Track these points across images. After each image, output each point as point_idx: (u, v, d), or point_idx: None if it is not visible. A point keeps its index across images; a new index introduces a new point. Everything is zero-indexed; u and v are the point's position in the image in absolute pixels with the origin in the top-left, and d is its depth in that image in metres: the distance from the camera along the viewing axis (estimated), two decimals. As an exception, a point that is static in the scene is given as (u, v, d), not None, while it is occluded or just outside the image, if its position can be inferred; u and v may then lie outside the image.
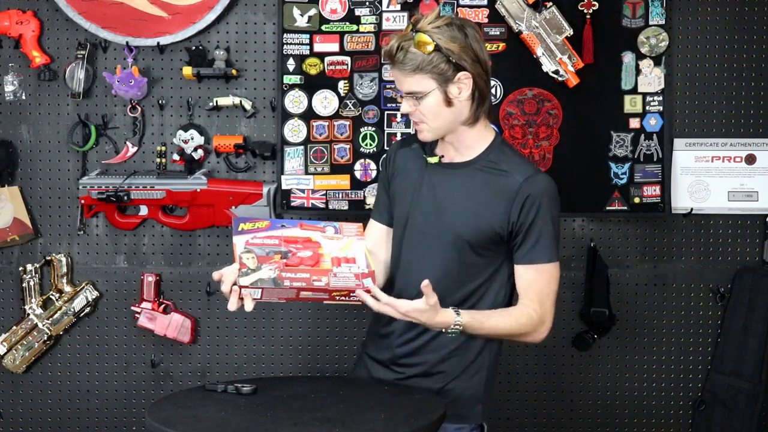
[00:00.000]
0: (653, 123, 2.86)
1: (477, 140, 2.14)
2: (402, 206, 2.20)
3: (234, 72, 2.84)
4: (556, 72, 2.82)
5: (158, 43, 2.83)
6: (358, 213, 2.84)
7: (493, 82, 2.84)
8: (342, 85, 2.85)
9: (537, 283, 2.11)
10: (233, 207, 2.82)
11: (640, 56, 2.84)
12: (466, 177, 2.13)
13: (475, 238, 2.09)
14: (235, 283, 1.92)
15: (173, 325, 2.88)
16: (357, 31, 2.83)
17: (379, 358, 2.21)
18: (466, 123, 2.10)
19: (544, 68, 2.82)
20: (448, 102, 2.06)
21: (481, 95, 2.09)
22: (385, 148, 2.85)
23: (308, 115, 2.85)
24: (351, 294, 1.97)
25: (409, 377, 2.15)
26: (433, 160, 2.17)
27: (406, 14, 2.84)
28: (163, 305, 2.89)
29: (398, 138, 2.85)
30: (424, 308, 1.95)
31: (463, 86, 2.06)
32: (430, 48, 2.01)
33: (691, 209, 2.90)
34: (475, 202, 2.10)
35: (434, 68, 2.02)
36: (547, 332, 2.16)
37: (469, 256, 2.10)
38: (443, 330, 2.02)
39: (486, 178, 2.10)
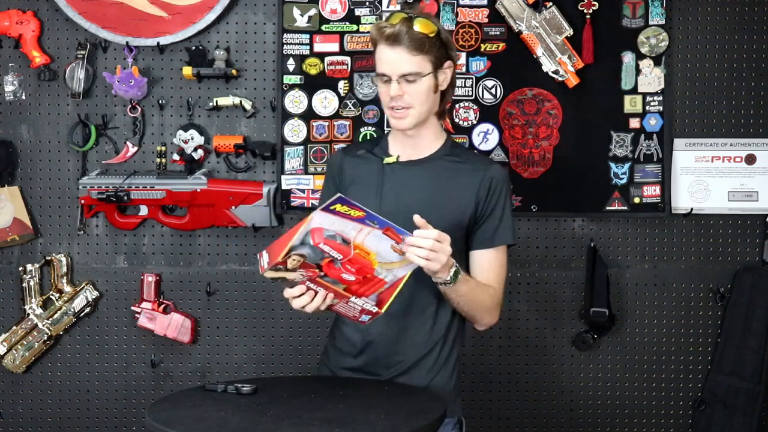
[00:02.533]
0: (653, 123, 2.86)
1: (437, 136, 2.23)
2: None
3: (234, 72, 2.84)
4: (556, 72, 2.82)
5: (158, 43, 2.83)
6: (358, 213, 2.85)
7: (492, 82, 2.85)
8: (342, 85, 2.85)
9: (494, 266, 2.17)
10: (233, 207, 2.82)
11: (640, 56, 2.85)
12: (429, 171, 2.18)
13: (447, 228, 2.10)
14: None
15: (173, 325, 2.88)
16: (357, 31, 2.83)
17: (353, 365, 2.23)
18: (436, 114, 2.20)
19: (544, 68, 2.82)
20: (436, 88, 2.14)
21: (452, 87, 2.20)
22: (385, 148, 2.85)
23: (308, 115, 2.85)
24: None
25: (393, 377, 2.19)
26: (390, 160, 2.21)
27: (406, 14, 2.84)
28: (163, 305, 2.89)
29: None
30: (442, 236, 1.95)
31: (447, 74, 2.16)
32: (434, 31, 2.09)
33: (691, 209, 2.90)
34: (442, 194, 2.15)
35: (435, 50, 2.10)
36: (498, 318, 2.20)
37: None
38: (444, 279, 2.00)
39: (450, 171, 2.17)
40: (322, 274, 1.92)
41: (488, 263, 2.16)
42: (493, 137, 2.87)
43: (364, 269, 1.93)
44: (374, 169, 2.21)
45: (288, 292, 1.98)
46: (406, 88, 2.11)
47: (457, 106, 2.85)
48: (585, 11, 2.83)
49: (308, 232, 1.87)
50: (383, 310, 1.98)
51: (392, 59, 2.10)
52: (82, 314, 2.90)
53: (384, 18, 2.14)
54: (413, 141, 2.20)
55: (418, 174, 2.18)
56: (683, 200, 2.91)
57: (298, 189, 2.86)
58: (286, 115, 2.86)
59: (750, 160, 2.91)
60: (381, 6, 2.84)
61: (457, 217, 2.14)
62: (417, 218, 1.95)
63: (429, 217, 2.08)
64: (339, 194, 1.90)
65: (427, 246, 1.92)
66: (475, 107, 2.86)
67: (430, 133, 2.21)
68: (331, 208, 1.88)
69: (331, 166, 2.32)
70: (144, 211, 2.85)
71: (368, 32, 2.82)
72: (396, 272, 1.97)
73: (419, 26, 2.07)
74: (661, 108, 2.86)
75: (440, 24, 2.17)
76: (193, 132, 2.86)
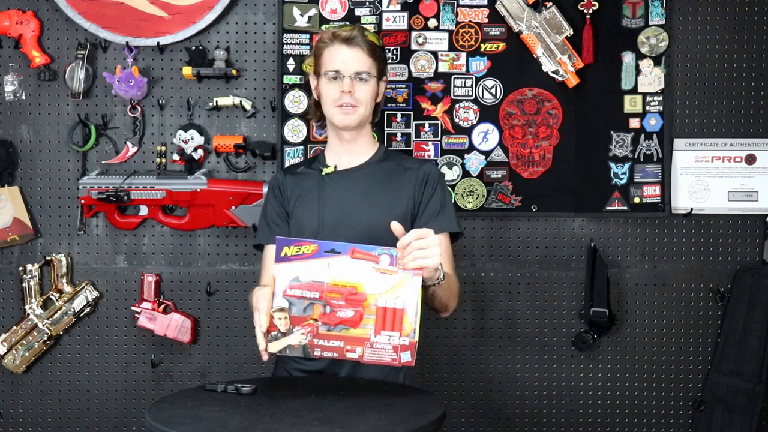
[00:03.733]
0: (653, 123, 2.86)
1: (369, 145, 2.38)
2: (308, 221, 2.29)
3: (234, 72, 2.84)
4: (556, 72, 2.82)
5: (158, 43, 2.84)
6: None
7: (492, 82, 2.85)
8: (342, 85, 2.85)
9: (446, 253, 2.24)
10: (233, 207, 2.82)
11: (640, 56, 2.85)
12: (367, 176, 2.33)
13: (387, 227, 2.15)
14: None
15: (173, 325, 2.88)
16: (357, 31, 2.83)
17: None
18: (370, 123, 2.38)
19: (544, 68, 2.82)
20: (375, 95, 2.33)
21: (382, 102, 2.42)
22: (385, 148, 2.86)
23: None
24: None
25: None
26: (328, 170, 2.34)
27: (406, 14, 2.84)
28: (163, 305, 2.89)
29: (398, 138, 2.86)
30: (421, 232, 1.96)
31: (382, 88, 2.37)
32: (381, 45, 2.34)
33: (691, 209, 2.90)
34: (380, 196, 2.27)
35: (380, 61, 2.32)
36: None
37: (387, 242, 2.16)
38: (437, 277, 2.03)
39: (387, 173, 2.31)
40: (319, 323, 1.91)
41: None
42: (493, 137, 2.87)
43: (354, 298, 1.91)
44: (314, 180, 2.34)
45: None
46: (357, 86, 2.27)
47: (457, 106, 2.86)
48: (585, 11, 2.83)
49: (279, 290, 1.91)
50: (417, 338, 1.93)
51: (349, 57, 2.27)
52: (82, 314, 2.90)
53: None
54: (350, 148, 2.35)
55: (356, 180, 2.32)
56: (683, 200, 2.91)
57: (298, 189, 2.86)
58: (286, 115, 2.86)
59: (750, 160, 2.91)
60: (381, 6, 2.84)
61: (397, 215, 2.21)
62: (394, 225, 1.97)
63: (369, 217, 2.23)
64: (276, 237, 1.95)
65: (416, 247, 1.93)
66: (475, 107, 2.86)
67: (364, 141, 2.37)
68: (282, 256, 1.91)
69: (273, 186, 2.40)
70: (144, 211, 2.85)
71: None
72: (405, 295, 1.92)
73: (371, 36, 2.30)
74: (661, 108, 2.86)
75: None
76: (193, 132, 2.86)
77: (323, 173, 2.34)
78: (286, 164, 2.85)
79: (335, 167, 2.34)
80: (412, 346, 1.93)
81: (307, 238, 1.99)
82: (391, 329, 1.91)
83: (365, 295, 1.92)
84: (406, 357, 1.93)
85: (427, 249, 1.94)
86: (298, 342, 1.92)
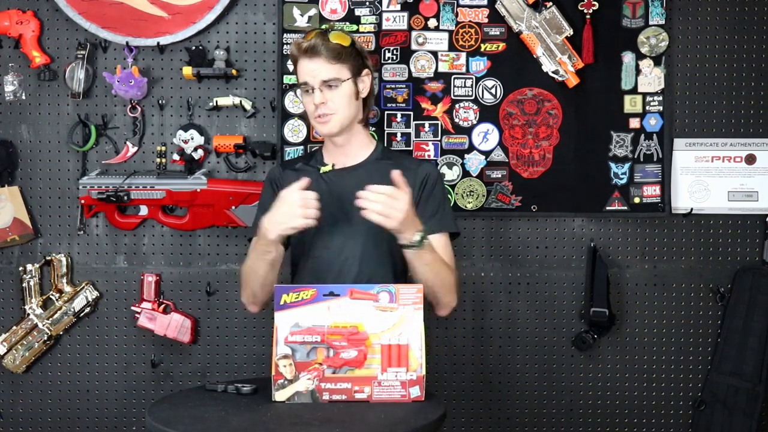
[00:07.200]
0: (653, 123, 2.86)
1: (365, 143, 2.38)
2: None
3: (234, 72, 2.84)
4: (556, 72, 2.82)
5: (158, 43, 2.84)
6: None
7: (493, 82, 2.85)
8: (342, 85, 2.85)
9: (446, 251, 2.27)
10: (233, 207, 2.82)
11: (640, 56, 2.85)
12: (364, 174, 2.30)
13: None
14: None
15: (173, 325, 2.88)
16: (357, 31, 2.83)
17: None
18: (360, 122, 2.36)
19: (544, 68, 2.82)
20: (357, 94, 2.31)
21: (371, 96, 2.39)
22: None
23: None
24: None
25: None
26: (326, 168, 2.34)
27: (406, 14, 2.84)
28: (163, 305, 2.89)
29: (398, 138, 2.86)
30: (396, 192, 2.05)
31: (366, 82, 2.34)
32: (349, 42, 2.29)
33: (691, 209, 2.90)
34: None
35: (351, 59, 2.28)
36: (456, 303, 2.28)
37: (384, 241, 2.22)
38: (410, 239, 2.10)
39: (384, 173, 2.25)
40: (324, 367, 1.93)
41: (438, 249, 2.23)
42: (493, 137, 2.87)
43: (356, 337, 1.93)
44: (311, 178, 2.30)
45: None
46: (328, 94, 2.26)
47: (457, 106, 2.86)
48: (585, 11, 2.83)
49: (281, 338, 1.93)
50: (425, 372, 1.95)
51: (312, 69, 2.26)
52: (82, 314, 2.90)
53: (303, 36, 2.34)
54: (344, 150, 2.36)
55: (353, 179, 2.29)
56: (683, 200, 2.91)
57: (298, 189, 2.85)
58: (286, 115, 2.86)
59: (750, 160, 2.91)
60: (381, 6, 2.84)
61: None
62: (395, 173, 2.06)
63: (366, 218, 2.19)
64: (275, 285, 1.97)
65: (380, 200, 2.02)
66: (475, 107, 2.86)
67: (358, 141, 2.37)
68: (281, 304, 1.93)
69: (270, 179, 2.42)
70: (144, 211, 2.85)
71: (368, 32, 2.83)
72: (407, 330, 1.95)
73: (334, 38, 2.27)
74: (661, 108, 2.86)
75: (354, 37, 2.35)
76: (193, 132, 2.86)
77: (321, 171, 2.35)
78: (286, 164, 2.85)
79: (333, 165, 2.36)
80: (420, 380, 1.94)
81: (306, 285, 2.01)
82: (398, 365, 1.94)
83: (367, 334, 1.94)
84: (416, 392, 1.94)
85: (390, 209, 2.03)
86: (305, 388, 1.93)
